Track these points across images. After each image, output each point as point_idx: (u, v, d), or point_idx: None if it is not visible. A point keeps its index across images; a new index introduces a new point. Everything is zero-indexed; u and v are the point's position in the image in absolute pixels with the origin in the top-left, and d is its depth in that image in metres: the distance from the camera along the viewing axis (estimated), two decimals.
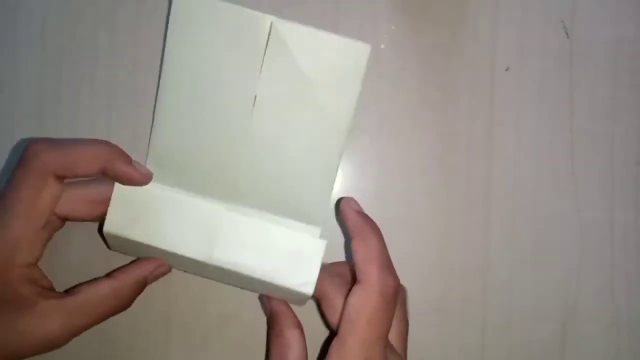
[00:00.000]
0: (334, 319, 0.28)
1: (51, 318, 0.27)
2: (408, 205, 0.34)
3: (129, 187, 0.29)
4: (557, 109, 0.35)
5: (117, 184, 0.29)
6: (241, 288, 0.33)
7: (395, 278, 0.27)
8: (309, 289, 0.29)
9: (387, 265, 0.27)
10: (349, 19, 0.35)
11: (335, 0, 0.35)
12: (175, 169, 0.32)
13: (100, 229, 0.30)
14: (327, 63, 0.29)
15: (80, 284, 0.29)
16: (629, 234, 0.35)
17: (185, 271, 0.33)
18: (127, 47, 0.34)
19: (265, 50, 0.29)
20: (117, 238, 0.30)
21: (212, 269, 0.30)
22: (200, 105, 0.30)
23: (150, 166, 0.32)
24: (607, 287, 0.34)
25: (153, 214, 0.29)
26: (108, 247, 0.32)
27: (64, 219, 0.29)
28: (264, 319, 0.33)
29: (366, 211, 0.34)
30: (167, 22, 0.29)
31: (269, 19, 0.28)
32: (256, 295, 0.33)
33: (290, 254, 0.29)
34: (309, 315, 0.32)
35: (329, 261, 0.33)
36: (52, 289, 0.29)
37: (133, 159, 0.30)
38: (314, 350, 0.31)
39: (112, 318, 0.33)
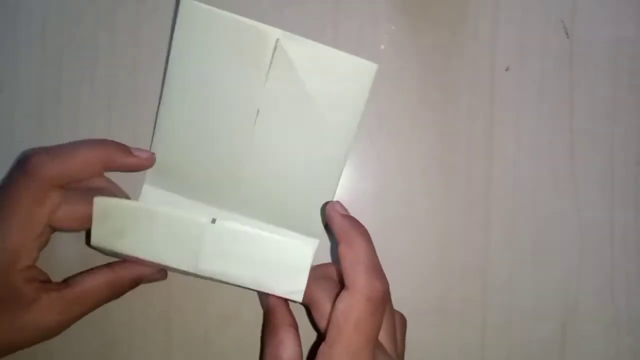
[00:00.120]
0: (322, 324, 0.27)
1: (52, 310, 0.29)
2: (408, 205, 0.34)
3: (110, 203, 0.29)
4: (557, 109, 0.35)
5: (96, 200, 0.29)
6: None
7: (383, 282, 0.27)
8: (297, 297, 0.28)
9: (374, 269, 0.27)
10: (349, 19, 0.35)
11: (335, 0, 0.35)
12: (175, 175, 0.32)
13: (88, 240, 0.30)
14: (332, 80, 0.28)
15: (78, 274, 0.30)
16: (629, 234, 0.35)
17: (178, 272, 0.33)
18: (127, 47, 0.34)
19: (270, 65, 0.28)
20: (105, 249, 0.30)
21: (202, 275, 0.30)
22: (203, 115, 0.30)
23: (151, 172, 0.32)
24: (607, 287, 0.34)
25: (136, 228, 0.29)
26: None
27: (55, 230, 0.30)
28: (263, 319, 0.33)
29: (366, 211, 0.34)
30: (173, 30, 0.28)
31: (275, 34, 0.28)
32: (256, 295, 0.33)
33: (278, 262, 0.28)
34: (304, 314, 0.32)
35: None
36: (49, 281, 0.30)
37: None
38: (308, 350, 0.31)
39: (112, 317, 0.33)
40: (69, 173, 0.29)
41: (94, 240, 0.29)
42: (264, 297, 0.31)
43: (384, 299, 0.26)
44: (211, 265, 0.28)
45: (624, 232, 0.35)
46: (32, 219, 0.28)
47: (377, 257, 0.27)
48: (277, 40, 0.28)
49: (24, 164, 0.28)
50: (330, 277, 0.30)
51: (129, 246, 0.29)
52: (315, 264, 0.33)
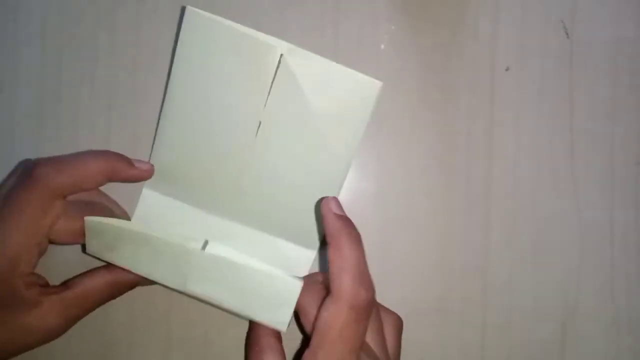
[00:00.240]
0: (309, 330, 0.27)
1: (53, 313, 0.29)
2: (408, 205, 0.34)
3: (100, 223, 0.29)
4: (557, 109, 0.35)
5: (86, 220, 0.29)
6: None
7: (369, 290, 0.26)
8: (281, 328, 0.28)
9: (361, 277, 0.26)
10: (349, 19, 0.35)
11: (335, 0, 0.35)
12: (175, 181, 0.32)
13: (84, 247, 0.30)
14: (336, 96, 0.28)
15: (77, 276, 0.31)
16: (629, 234, 0.35)
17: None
18: (127, 47, 0.34)
19: (273, 79, 0.28)
20: (100, 259, 0.30)
21: (190, 295, 0.29)
22: (204, 124, 0.30)
23: (150, 177, 0.32)
24: (607, 287, 0.34)
25: (126, 246, 0.29)
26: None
27: (51, 242, 0.30)
28: None
29: (366, 211, 0.34)
30: (177, 39, 0.28)
31: (280, 48, 0.27)
32: None
33: (265, 293, 0.28)
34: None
35: None
36: (48, 285, 0.30)
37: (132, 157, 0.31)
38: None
39: (112, 317, 0.33)
40: (74, 184, 0.29)
41: (88, 250, 0.30)
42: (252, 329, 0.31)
43: (369, 307, 0.26)
44: (199, 288, 0.28)
45: (624, 232, 0.35)
46: (35, 228, 0.28)
47: (365, 263, 0.27)
48: (282, 55, 0.27)
49: (29, 172, 0.29)
50: (317, 281, 0.30)
51: (120, 260, 0.29)
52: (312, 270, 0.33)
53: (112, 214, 0.31)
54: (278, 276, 0.27)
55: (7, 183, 0.30)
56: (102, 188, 0.32)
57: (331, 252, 0.27)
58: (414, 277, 0.34)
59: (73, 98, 0.34)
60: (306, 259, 0.31)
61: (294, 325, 0.31)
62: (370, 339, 0.27)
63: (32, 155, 0.33)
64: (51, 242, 0.30)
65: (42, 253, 0.29)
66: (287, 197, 0.30)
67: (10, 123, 0.34)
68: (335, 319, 0.25)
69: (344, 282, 0.26)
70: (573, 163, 0.35)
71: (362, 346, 0.26)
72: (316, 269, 0.33)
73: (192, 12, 0.28)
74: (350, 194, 0.34)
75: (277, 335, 0.28)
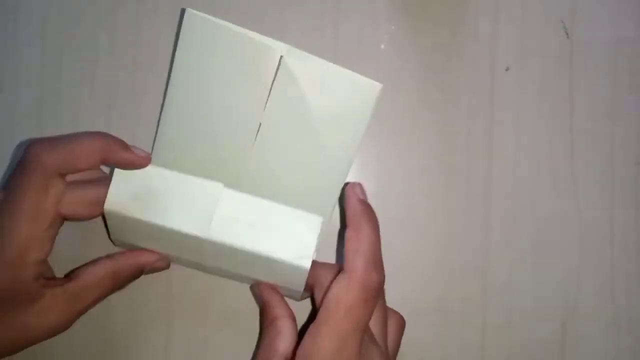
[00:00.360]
0: (319, 303, 0.27)
1: (57, 306, 0.29)
2: (408, 205, 0.34)
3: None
4: (557, 109, 0.35)
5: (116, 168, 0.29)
6: (236, 279, 0.33)
7: (381, 274, 0.27)
8: (305, 262, 0.28)
9: (375, 260, 0.27)
10: (349, 19, 0.35)
11: (335, 0, 0.35)
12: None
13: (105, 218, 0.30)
14: (335, 98, 0.28)
15: (79, 267, 0.30)
16: (629, 234, 0.35)
17: (183, 265, 0.33)
18: (127, 47, 0.34)
19: (273, 81, 0.28)
20: (117, 218, 0.30)
21: (208, 250, 0.30)
22: (203, 127, 0.30)
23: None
24: (607, 287, 0.34)
25: (153, 192, 0.29)
26: (110, 239, 0.32)
27: (64, 219, 0.30)
28: None
29: None
30: (176, 41, 0.28)
31: (279, 50, 0.27)
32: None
33: (288, 230, 0.29)
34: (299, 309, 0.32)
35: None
36: (54, 277, 0.30)
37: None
38: None
39: (112, 317, 0.33)
40: (69, 161, 0.28)
41: (107, 204, 0.29)
42: (257, 290, 0.31)
43: (378, 290, 0.27)
44: (222, 229, 0.29)
45: (624, 232, 0.35)
46: (39, 209, 0.28)
47: (380, 250, 0.28)
48: (282, 56, 0.28)
49: (23, 154, 0.28)
50: (333, 266, 0.30)
51: (142, 211, 0.29)
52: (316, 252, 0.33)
53: None
54: (300, 212, 0.30)
55: (10, 169, 0.29)
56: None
57: (349, 232, 0.27)
58: (414, 277, 0.34)
59: (73, 98, 0.34)
60: (319, 217, 0.31)
61: (299, 303, 0.31)
62: (373, 325, 0.28)
63: None
64: (67, 218, 0.29)
65: (54, 237, 0.29)
66: (285, 200, 0.30)
67: (10, 123, 0.34)
68: (345, 295, 0.26)
69: (359, 261, 0.26)
70: (573, 163, 0.35)
71: (366, 329, 0.27)
72: (318, 256, 0.33)
73: (192, 15, 0.28)
74: None
75: (293, 317, 0.29)
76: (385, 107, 0.34)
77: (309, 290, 0.30)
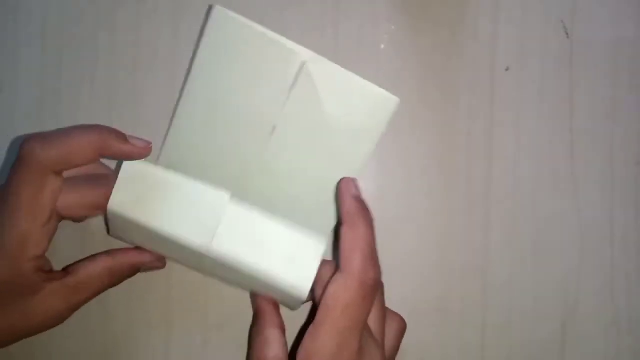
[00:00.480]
0: (318, 302, 0.27)
1: (56, 298, 0.29)
2: (408, 205, 0.34)
3: (136, 167, 0.29)
4: (557, 109, 0.35)
5: (125, 164, 0.29)
6: (234, 286, 0.33)
7: (377, 271, 0.27)
8: (305, 286, 0.28)
9: (371, 257, 0.27)
10: (349, 19, 0.35)
11: (335, 0, 0.35)
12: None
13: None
14: (353, 108, 0.28)
15: (78, 262, 0.30)
16: (629, 234, 0.35)
17: (180, 262, 0.33)
18: (127, 47, 0.34)
19: (293, 85, 0.28)
20: (120, 219, 0.29)
21: (208, 260, 0.29)
22: (218, 125, 0.30)
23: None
24: (607, 287, 0.34)
25: (158, 196, 0.29)
26: (108, 232, 0.32)
27: (62, 218, 0.30)
28: None
29: None
30: (200, 36, 0.28)
31: (303, 55, 0.28)
32: None
33: (289, 255, 0.29)
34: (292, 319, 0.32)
35: None
36: (52, 270, 0.30)
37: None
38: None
39: (111, 319, 0.33)
40: (64, 157, 0.28)
41: (112, 204, 0.29)
42: (254, 300, 0.31)
43: (376, 287, 0.27)
44: (224, 245, 0.29)
45: (624, 232, 0.35)
46: (36, 206, 0.28)
47: (376, 247, 0.28)
48: (305, 62, 0.28)
49: (19, 150, 0.28)
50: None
51: (145, 215, 0.29)
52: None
53: None
54: (304, 239, 0.29)
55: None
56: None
57: (345, 230, 0.27)
58: (414, 277, 0.34)
59: (73, 98, 0.34)
60: (322, 244, 0.31)
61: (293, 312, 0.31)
62: (371, 321, 0.28)
63: None
64: (64, 217, 0.29)
65: (52, 234, 0.29)
66: (297, 205, 0.30)
67: (10, 123, 0.34)
68: (343, 293, 0.26)
69: (356, 259, 0.26)
70: (573, 163, 0.35)
71: (365, 327, 0.27)
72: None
73: (220, 11, 0.28)
74: None
75: (282, 327, 0.29)
76: None
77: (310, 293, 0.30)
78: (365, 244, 0.27)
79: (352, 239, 0.27)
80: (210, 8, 0.27)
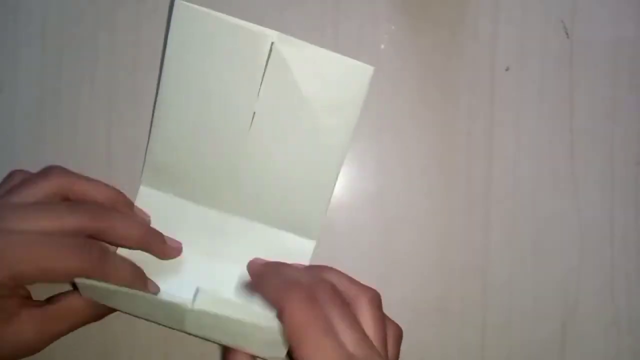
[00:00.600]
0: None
1: (31, 326, 0.28)
2: (408, 205, 0.34)
3: (91, 285, 0.28)
4: (557, 109, 0.35)
5: (78, 282, 0.27)
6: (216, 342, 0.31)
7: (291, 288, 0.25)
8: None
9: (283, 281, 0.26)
10: (349, 19, 0.35)
11: (335, 0, 0.35)
12: (171, 176, 0.32)
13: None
14: (329, 83, 0.28)
15: (60, 294, 0.30)
16: (629, 234, 0.35)
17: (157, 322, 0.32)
18: (127, 47, 0.34)
19: (265, 68, 0.28)
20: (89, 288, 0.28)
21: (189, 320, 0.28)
22: (199, 117, 0.30)
23: (147, 174, 0.32)
24: (607, 287, 0.34)
25: (120, 300, 0.29)
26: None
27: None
28: None
29: (366, 211, 0.34)
30: (167, 33, 0.28)
31: (270, 36, 0.27)
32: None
33: (257, 340, 0.27)
34: None
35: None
36: (30, 297, 0.29)
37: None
38: None
39: (112, 317, 0.33)
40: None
41: (81, 291, 0.28)
42: (227, 356, 0.29)
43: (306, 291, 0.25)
44: (196, 331, 0.28)
45: (624, 232, 0.35)
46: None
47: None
48: (273, 43, 0.27)
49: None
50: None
51: (116, 304, 0.29)
52: (315, 252, 0.33)
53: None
54: (263, 328, 0.26)
55: None
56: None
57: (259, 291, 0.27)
58: (414, 277, 0.34)
59: (73, 98, 0.34)
60: (307, 249, 0.31)
61: None
62: (374, 337, 0.26)
63: (32, 155, 0.33)
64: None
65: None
66: (284, 187, 0.30)
67: (10, 123, 0.34)
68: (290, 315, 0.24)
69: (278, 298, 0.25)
70: (573, 163, 0.35)
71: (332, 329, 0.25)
72: (318, 256, 0.33)
73: (182, 5, 0.28)
74: (350, 194, 0.34)
75: None
76: (386, 107, 0.34)
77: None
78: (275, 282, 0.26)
79: (266, 291, 0.26)
80: (171, 3, 0.27)
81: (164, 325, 0.31)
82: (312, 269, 0.31)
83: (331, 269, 0.30)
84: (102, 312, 0.30)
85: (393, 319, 0.29)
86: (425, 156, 0.35)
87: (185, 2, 0.27)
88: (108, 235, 0.29)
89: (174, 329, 0.30)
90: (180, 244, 0.32)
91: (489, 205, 0.34)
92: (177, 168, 0.32)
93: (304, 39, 0.34)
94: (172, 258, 0.32)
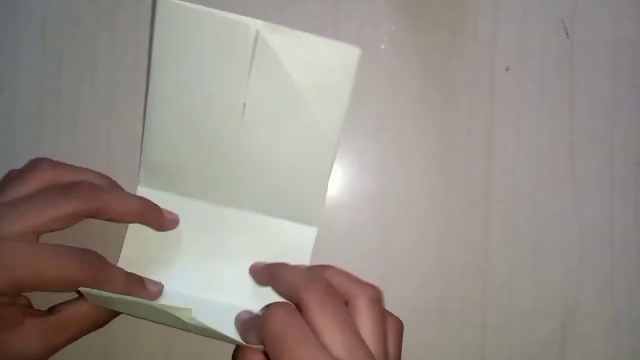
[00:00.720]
0: None
1: (33, 336, 0.27)
2: (408, 205, 0.34)
3: (95, 294, 0.27)
4: (557, 109, 0.35)
5: (83, 291, 0.27)
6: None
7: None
8: None
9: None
10: (349, 19, 0.35)
11: (335, 0, 0.35)
12: (167, 174, 0.32)
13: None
14: (316, 67, 0.28)
15: (62, 303, 0.30)
16: (629, 234, 0.35)
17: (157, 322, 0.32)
18: (127, 47, 0.34)
19: (252, 57, 0.28)
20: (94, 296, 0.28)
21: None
22: (191, 112, 0.30)
23: (143, 174, 0.32)
24: (607, 287, 0.34)
25: (124, 305, 0.29)
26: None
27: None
28: None
29: (366, 211, 0.34)
30: (152, 31, 0.28)
31: (254, 25, 0.27)
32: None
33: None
34: None
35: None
36: (31, 307, 0.29)
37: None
38: None
39: (113, 323, 0.33)
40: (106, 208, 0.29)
41: (86, 297, 0.28)
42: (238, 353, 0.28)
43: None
44: (201, 332, 0.28)
45: (624, 232, 0.35)
46: None
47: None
48: (258, 31, 0.27)
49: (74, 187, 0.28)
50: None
51: (122, 310, 0.29)
52: (315, 252, 0.33)
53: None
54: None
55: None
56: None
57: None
58: (414, 277, 0.34)
59: (73, 98, 0.34)
60: (309, 236, 0.31)
61: None
62: (368, 336, 0.26)
63: (32, 155, 0.33)
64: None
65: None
66: (281, 175, 0.30)
67: (10, 123, 0.34)
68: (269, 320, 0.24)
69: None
70: (573, 163, 0.35)
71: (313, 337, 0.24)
72: (318, 256, 0.33)
73: (165, 2, 0.27)
74: (351, 194, 0.34)
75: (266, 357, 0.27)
76: (386, 107, 0.34)
77: None
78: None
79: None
80: (154, 2, 0.27)
81: (170, 326, 0.31)
82: (311, 268, 0.31)
83: (331, 267, 0.30)
84: (104, 319, 0.30)
85: None
86: (425, 156, 0.35)
87: None
88: (106, 212, 0.29)
89: (181, 329, 0.30)
90: (177, 215, 0.32)
91: (489, 205, 0.34)
92: (173, 165, 0.32)
93: None
94: (169, 229, 0.32)
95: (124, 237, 0.32)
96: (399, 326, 0.29)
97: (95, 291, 0.27)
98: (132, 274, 0.31)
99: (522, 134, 0.35)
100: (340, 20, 0.35)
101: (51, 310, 0.29)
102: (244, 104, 0.29)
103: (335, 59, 0.28)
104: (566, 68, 0.35)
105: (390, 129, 0.35)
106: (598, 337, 0.34)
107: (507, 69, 0.35)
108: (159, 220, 0.32)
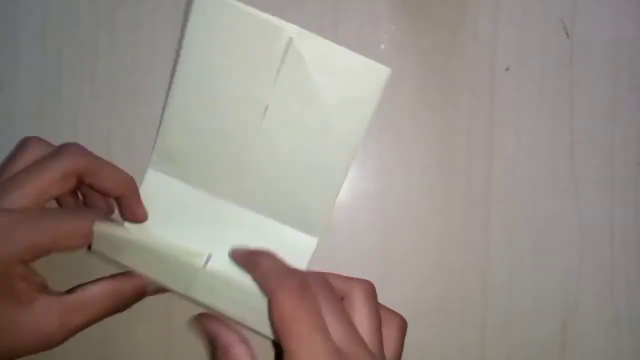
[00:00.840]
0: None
1: (50, 314, 0.27)
2: (408, 205, 0.34)
3: (107, 230, 0.28)
4: (557, 109, 0.35)
5: (96, 226, 0.28)
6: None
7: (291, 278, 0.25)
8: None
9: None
10: (349, 19, 0.35)
11: (335, 0, 0.35)
12: (180, 162, 0.32)
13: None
14: (344, 81, 0.28)
15: (78, 286, 0.29)
16: (629, 234, 0.35)
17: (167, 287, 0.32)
18: (127, 47, 0.34)
19: (282, 62, 0.28)
20: (106, 239, 0.29)
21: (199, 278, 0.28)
22: (211, 106, 0.30)
23: (156, 157, 0.32)
24: (607, 287, 0.34)
25: (134, 251, 0.29)
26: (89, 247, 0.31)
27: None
28: None
29: (366, 211, 0.34)
30: (185, 21, 0.28)
31: (289, 31, 0.28)
32: None
33: (262, 308, 0.26)
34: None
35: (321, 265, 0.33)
36: (47, 286, 0.29)
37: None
38: None
39: (112, 317, 0.33)
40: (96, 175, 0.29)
41: (94, 247, 0.29)
42: (202, 325, 0.29)
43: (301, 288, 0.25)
44: (202, 296, 0.28)
45: (624, 232, 0.35)
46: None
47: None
48: (291, 38, 0.28)
49: (61, 148, 0.29)
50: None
51: (127, 260, 0.29)
52: (314, 261, 0.33)
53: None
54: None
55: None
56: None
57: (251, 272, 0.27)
58: (414, 277, 0.34)
59: (73, 98, 0.34)
60: (309, 246, 0.31)
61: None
62: (365, 332, 0.26)
63: None
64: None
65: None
66: (290, 182, 0.30)
67: (10, 123, 0.34)
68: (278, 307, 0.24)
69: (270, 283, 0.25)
70: (573, 163, 0.35)
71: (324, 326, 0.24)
72: (318, 256, 0.33)
73: None
74: (351, 194, 0.34)
75: (246, 340, 0.27)
76: (386, 107, 0.34)
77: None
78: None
79: (260, 273, 0.26)
80: None
81: (170, 291, 0.30)
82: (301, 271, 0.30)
83: (323, 272, 0.29)
84: (124, 301, 0.30)
85: None
86: (425, 156, 0.35)
87: None
88: (97, 174, 0.29)
89: (180, 294, 0.30)
90: (147, 213, 0.31)
91: (489, 205, 0.34)
92: (186, 154, 0.32)
93: None
94: (137, 222, 0.31)
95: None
96: (402, 324, 0.29)
97: (106, 228, 0.28)
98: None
99: (522, 134, 0.35)
100: (340, 20, 0.35)
101: (70, 290, 0.29)
102: (266, 106, 0.29)
103: (365, 76, 0.28)
104: (566, 68, 0.35)
105: (390, 129, 0.35)
106: (598, 337, 0.34)
107: (507, 69, 0.35)
108: (135, 206, 0.31)
